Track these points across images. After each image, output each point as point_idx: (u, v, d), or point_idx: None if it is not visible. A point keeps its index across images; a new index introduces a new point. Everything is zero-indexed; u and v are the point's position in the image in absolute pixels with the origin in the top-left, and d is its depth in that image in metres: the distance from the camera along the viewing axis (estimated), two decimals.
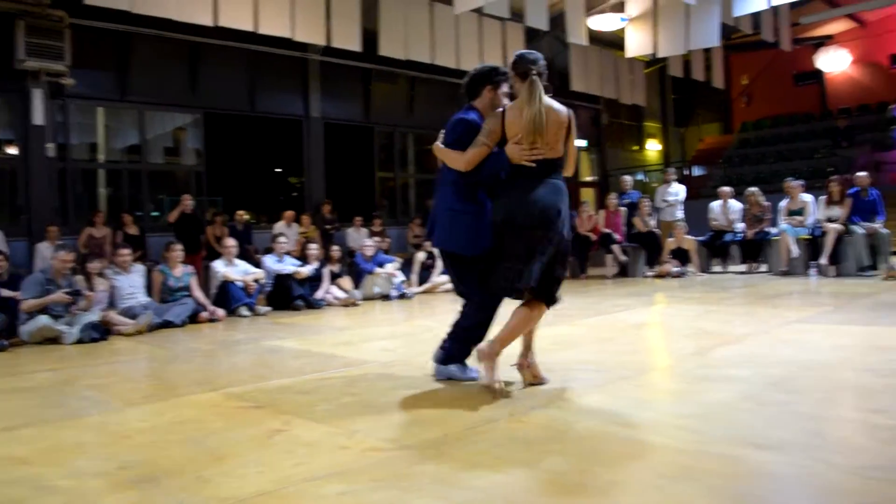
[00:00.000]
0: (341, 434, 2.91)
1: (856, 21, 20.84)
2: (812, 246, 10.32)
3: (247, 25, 9.95)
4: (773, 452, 2.44)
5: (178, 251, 7.95)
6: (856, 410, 3.06)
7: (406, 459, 2.53)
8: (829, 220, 10.03)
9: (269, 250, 9.77)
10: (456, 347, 3.92)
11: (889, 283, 8.70)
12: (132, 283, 7.60)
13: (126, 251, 7.80)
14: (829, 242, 9.85)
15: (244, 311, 8.13)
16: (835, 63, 21.06)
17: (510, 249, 3.54)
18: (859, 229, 9.86)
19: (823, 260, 9.93)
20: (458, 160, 3.70)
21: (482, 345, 3.65)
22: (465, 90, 3.93)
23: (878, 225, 10.06)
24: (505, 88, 3.87)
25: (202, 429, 3.11)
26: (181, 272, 7.90)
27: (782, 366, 3.93)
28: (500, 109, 3.70)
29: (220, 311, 7.88)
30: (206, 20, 9.59)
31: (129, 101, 11.47)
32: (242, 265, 8.72)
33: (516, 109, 3.60)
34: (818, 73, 21.97)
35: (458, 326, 3.92)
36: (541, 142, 3.54)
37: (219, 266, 8.50)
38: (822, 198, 10.34)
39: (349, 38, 10.91)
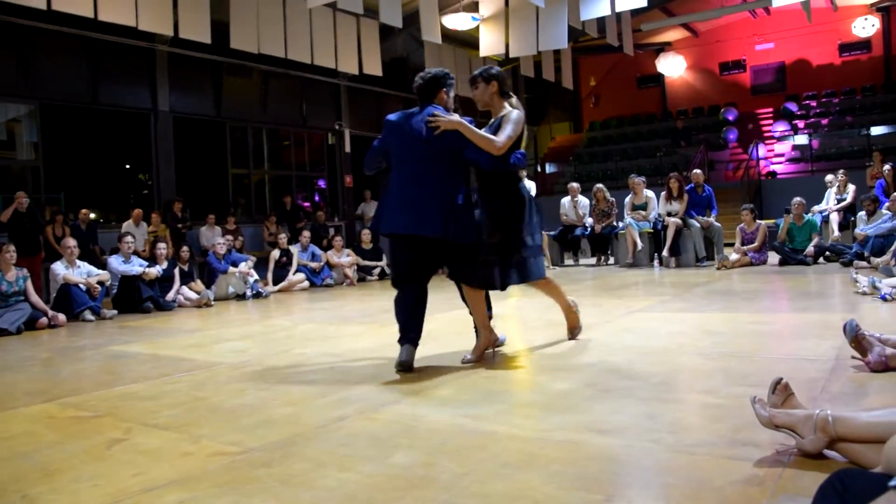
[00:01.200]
0: (185, 440, 2.81)
1: (689, 31, 22.31)
2: (655, 239, 10.96)
3: (85, 11, 9.33)
4: (611, 436, 2.56)
5: (10, 252, 7.39)
6: (687, 392, 3.25)
7: (252, 462, 2.48)
8: (669, 214, 10.68)
9: (115, 251, 9.31)
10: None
11: (722, 272, 9.38)
12: None
13: None
14: (669, 235, 10.49)
15: (88, 315, 7.72)
16: (673, 68, 22.41)
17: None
18: (696, 223, 10.56)
19: (665, 252, 10.57)
20: (492, 144, 3.88)
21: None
22: (420, 91, 4.15)
23: (712, 219, 10.84)
24: (453, 93, 4.23)
25: (32, 443, 2.91)
26: (14, 276, 7.36)
27: (624, 353, 4.15)
28: (522, 115, 4.06)
29: (61, 317, 7.44)
30: (38, 3, 8.93)
31: None
32: (85, 266, 8.25)
33: None
34: (659, 77, 23.32)
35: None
36: None
37: (59, 268, 8.00)
38: (663, 193, 11.00)
39: (198, 30, 10.50)
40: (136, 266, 8.62)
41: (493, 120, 4.15)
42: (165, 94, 12.75)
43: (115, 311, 8.18)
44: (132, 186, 14.46)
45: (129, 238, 8.85)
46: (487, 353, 4.27)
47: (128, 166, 14.46)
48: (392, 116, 4.16)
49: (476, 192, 4.13)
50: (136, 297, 8.38)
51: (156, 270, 8.67)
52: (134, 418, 3.22)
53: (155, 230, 11.23)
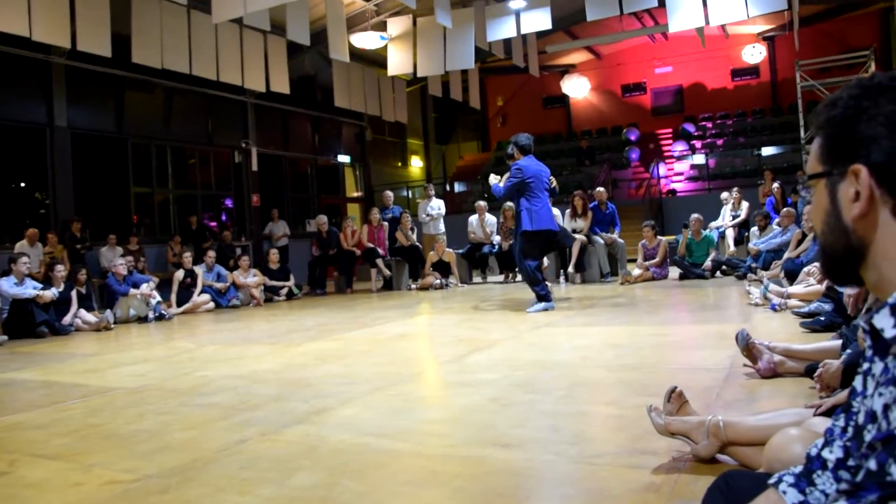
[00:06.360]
0: (76, 469, 2.68)
1: (593, 53, 23.01)
2: (560, 255, 11.17)
3: None
4: (514, 450, 2.58)
5: None
6: (590, 404, 3.30)
7: (147, 490, 2.38)
8: (574, 231, 10.92)
9: (5, 273, 8.83)
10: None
11: (625, 287, 9.64)
12: None
13: None
14: (574, 252, 10.72)
15: None
16: (577, 89, 23.02)
17: None
18: (600, 239, 10.83)
19: (570, 268, 10.78)
20: None
21: None
22: (522, 150, 7.37)
23: (615, 235, 11.14)
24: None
25: None
26: None
27: (528, 367, 4.20)
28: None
29: None
30: None
31: None
32: None
33: None
34: (564, 98, 23.90)
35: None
36: None
37: None
38: (568, 211, 11.24)
39: (97, 43, 10.12)
40: (30, 289, 8.20)
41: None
42: (63, 108, 12.23)
43: (6, 337, 7.76)
44: (27, 205, 13.73)
45: (24, 259, 8.41)
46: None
47: (22, 184, 13.76)
48: (529, 162, 7.24)
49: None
50: (29, 322, 7.98)
51: (51, 293, 8.27)
52: (20, 449, 3.05)
53: (51, 251, 10.73)
